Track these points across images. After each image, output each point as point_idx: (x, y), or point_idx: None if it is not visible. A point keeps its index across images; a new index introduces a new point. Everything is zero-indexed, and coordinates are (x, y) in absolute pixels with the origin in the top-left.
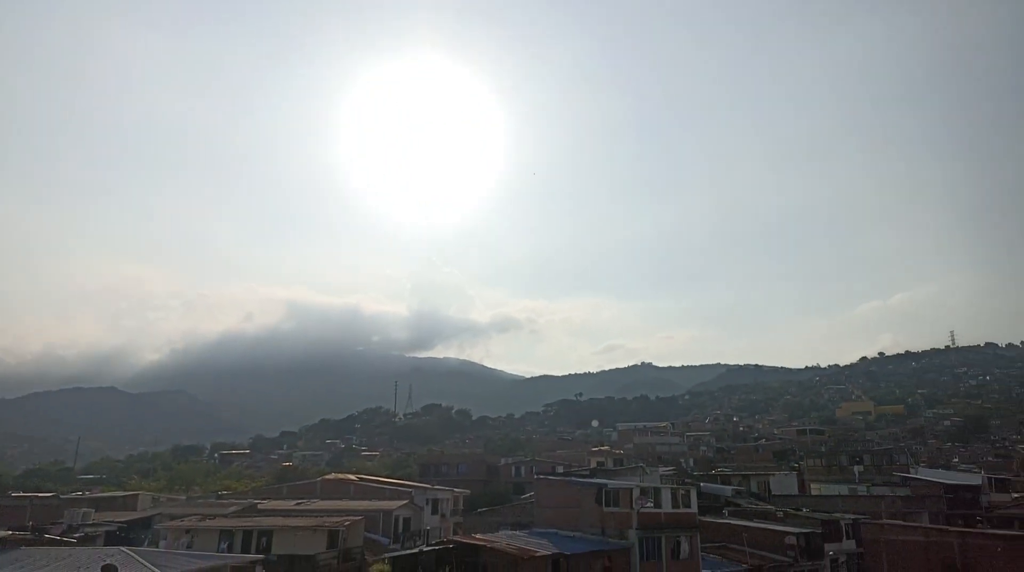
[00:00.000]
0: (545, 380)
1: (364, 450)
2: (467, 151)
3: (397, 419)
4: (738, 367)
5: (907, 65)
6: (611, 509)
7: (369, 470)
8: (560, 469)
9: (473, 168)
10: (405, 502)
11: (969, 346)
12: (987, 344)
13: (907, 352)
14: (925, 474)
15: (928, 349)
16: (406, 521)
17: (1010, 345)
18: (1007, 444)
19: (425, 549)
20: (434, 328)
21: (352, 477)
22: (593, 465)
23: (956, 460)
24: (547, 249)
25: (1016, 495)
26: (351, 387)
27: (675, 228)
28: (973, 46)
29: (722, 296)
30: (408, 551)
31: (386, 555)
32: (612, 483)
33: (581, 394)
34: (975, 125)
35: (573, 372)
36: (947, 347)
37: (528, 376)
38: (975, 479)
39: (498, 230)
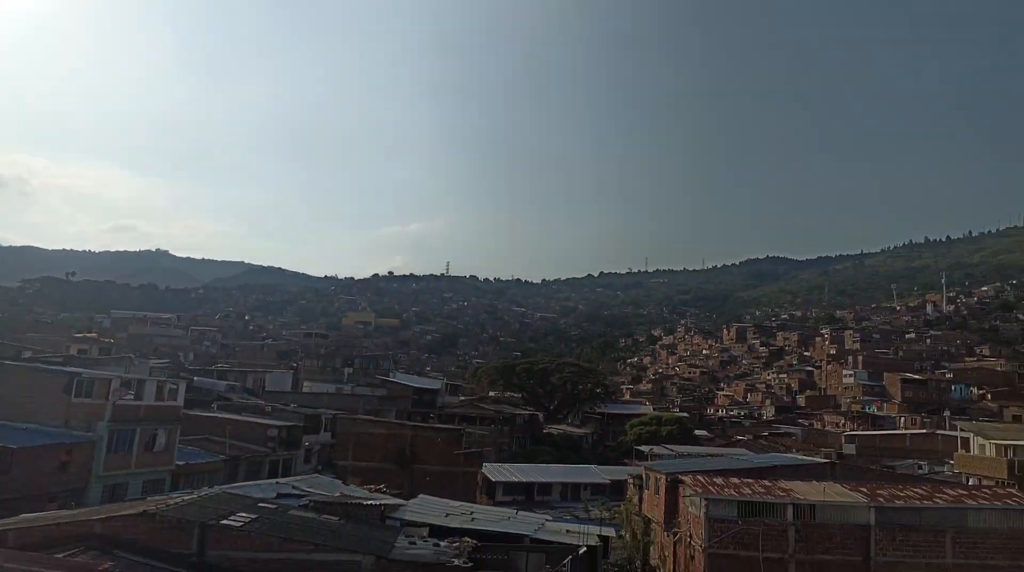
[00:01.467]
0: (30, 252)
1: None
2: None
3: None
4: (261, 267)
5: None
6: (82, 400)
7: None
8: (28, 354)
9: None
10: None
11: (458, 276)
12: (471, 276)
13: (411, 274)
14: (401, 378)
15: (428, 274)
16: None
17: (487, 279)
18: (468, 358)
19: None
20: None
21: None
22: (74, 352)
23: (429, 368)
24: (59, 91)
25: (463, 398)
26: None
27: (223, 115)
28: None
29: (256, 195)
30: None
31: None
32: (88, 373)
33: (75, 273)
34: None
35: (69, 247)
36: (442, 274)
37: (6, 244)
38: (436, 384)
39: None
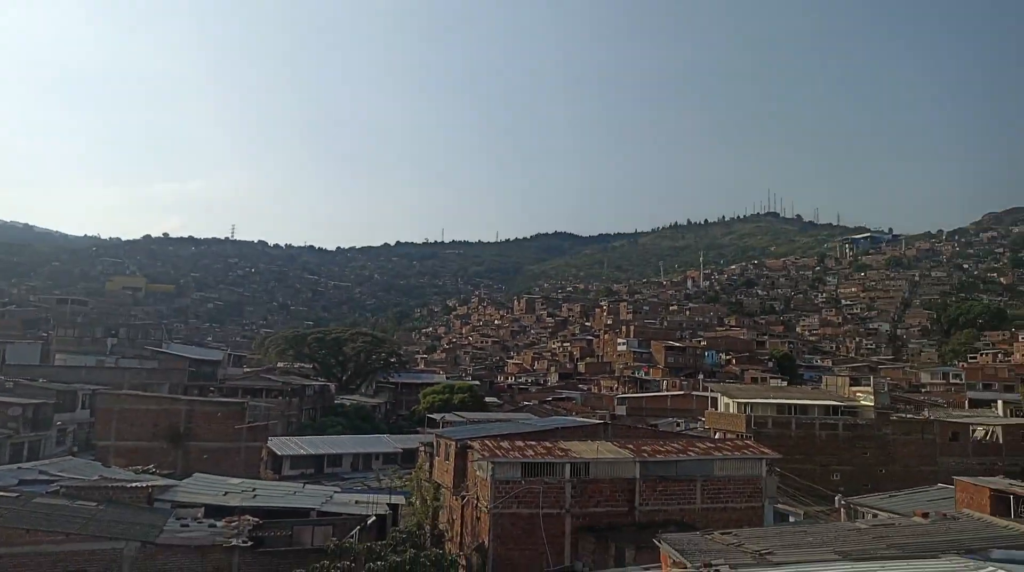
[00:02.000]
0: None
1: None
2: None
3: None
4: (4, 224)
5: None
6: None
7: None
8: None
9: None
10: None
11: (245, 240)
12: (260, 241)
13: (191, 237)
14: (176, 349)
15: (211, 237)
16: None
17: (277, 245)
18: (255, 327)
19: None
20: None
21: None
22: None
23: (211, 338)
24: None
25: (248, 369)
26: None
27: None
28: None
29: None
30: None
31: None
32: None
33: None
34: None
35: None
36: (226, 238)
37: None
38: (218, 355)
39: None
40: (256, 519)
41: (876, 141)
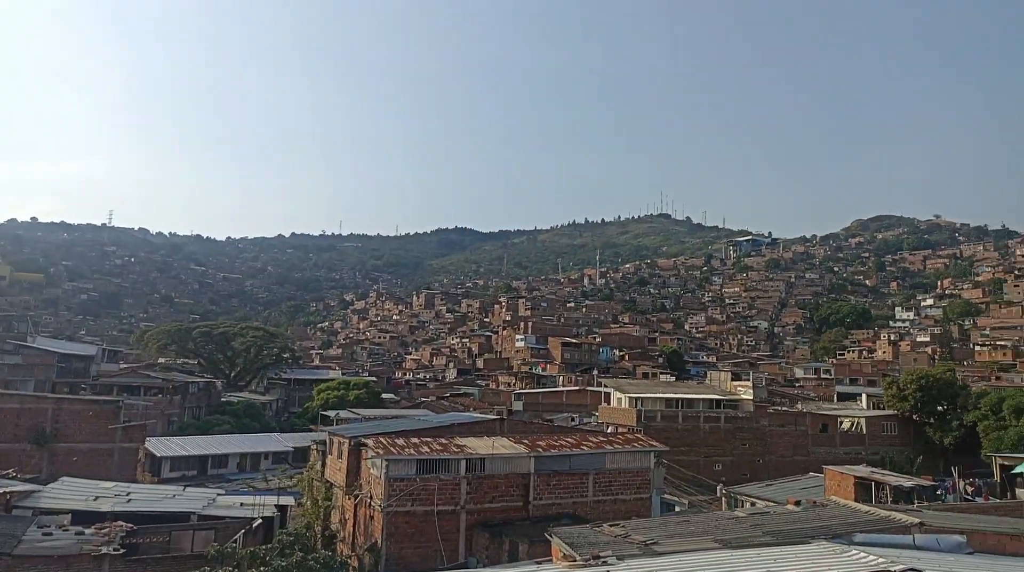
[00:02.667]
0: None
1: None
2: None
3: None
4: None
5: None
6: None
7: None
8: None
9: None
10: None
11: (124, 227)
12: (140, 228)
13: (63, 222)
14: (44, 344)
15: (85, 223)
16: None
17: (160, 233)
18: (134, 320)
19: None
20: None
21: None
22: None
23: (84, 332)
24: None
25: (125, 365)
26: None
27: None
28: None
29: None
30: None
31: None
32: None
33: None
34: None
35: None
36: (103, 224)
37: None
38: (91, 350)
39: None
40: (130, 525)
41: (758, 149)
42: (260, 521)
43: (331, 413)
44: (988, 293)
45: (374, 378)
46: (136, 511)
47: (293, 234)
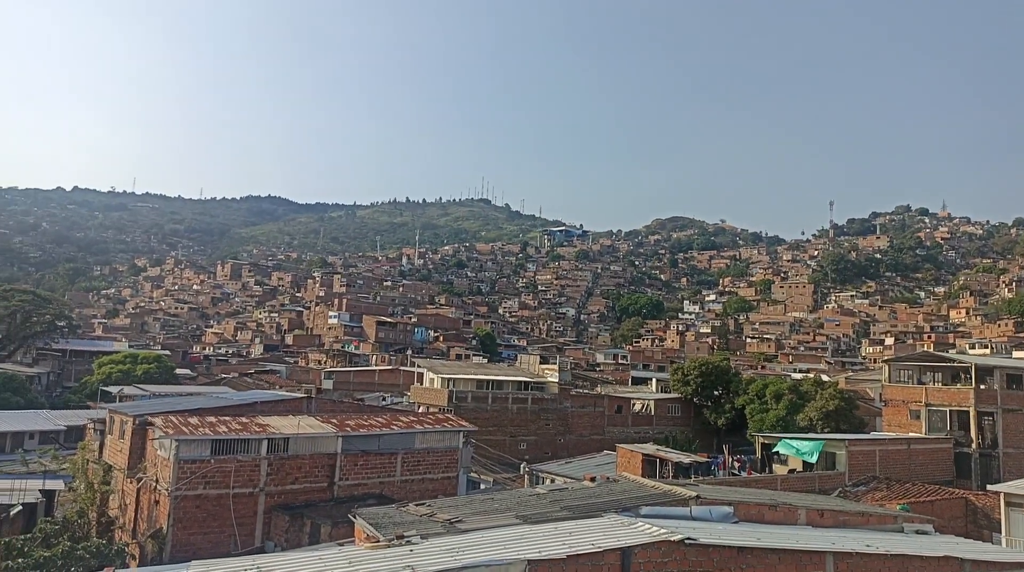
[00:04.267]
0: None
1: None
2: None
3: None
4: None
5: None
6: None
7: None
8: None
9: None
10: None
11: None
12: None
13: None
14: None
15: None
16: None
17: None
18: None
19: None
20: None
21: None
22: None
23: None
24: None
25: None
26: None
27: None
28: None
29: None
30: None
31: None
32: None
33: None
34: None
35: None
36: None
37: None
38: None
39: None
40: None
41: (576, 144)
42: (20, 508)
43: (114, 389)
44: (759, 292)
45: (168, 352)
46: None
47: (76, 188)
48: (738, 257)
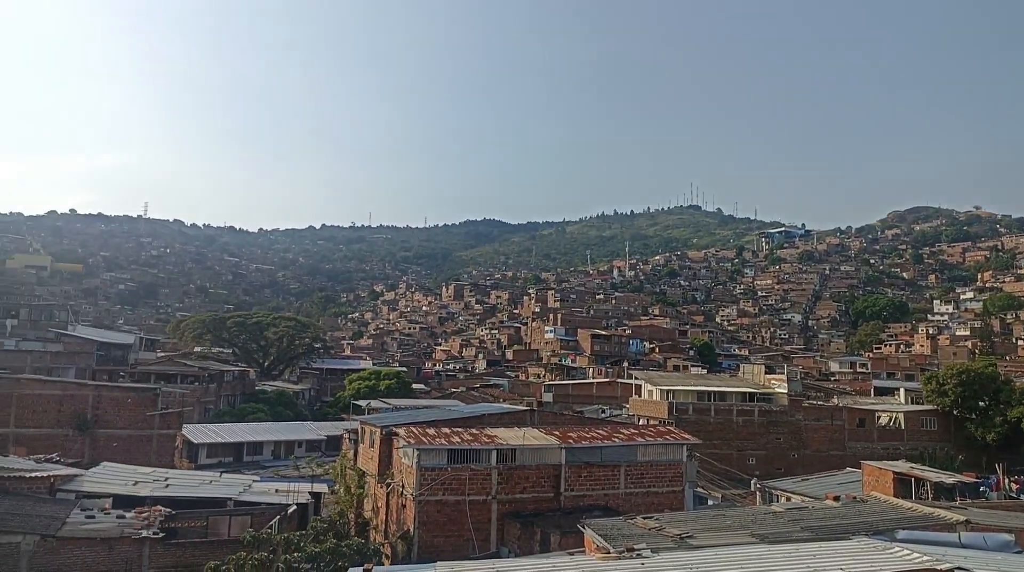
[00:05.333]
0: None
1: None
2: None
3: None
4: None
5: None
6: None
7: None
8: None
9: None
10: None
11: (160, 219)
12: (175, 220)
13: (100, 214)
14: (84, 332)
15: (122, 215)
16: None
17: (194, 225)
18: (170, 310)
19: None
20: None
21: None
22: None
23: (122, 321)
24: None
25: (162, 354)
26: None
27: None
28: None
29: None
30: None
31: None
32: None
33: None
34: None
35: None
36: (139, 216)
37: None
38: (129, 338)
39: None
40: (169, 509)
41: (789, 140)
42: (295, 508)
43: (362, 402)
44: None
45: (404, 368)
46: (174, 496)
47: (323, 226)
48: (1000, 247)
